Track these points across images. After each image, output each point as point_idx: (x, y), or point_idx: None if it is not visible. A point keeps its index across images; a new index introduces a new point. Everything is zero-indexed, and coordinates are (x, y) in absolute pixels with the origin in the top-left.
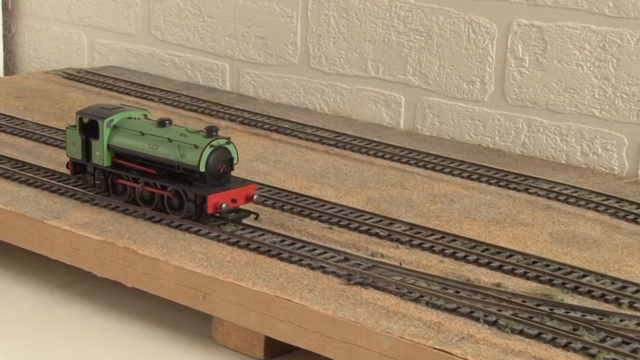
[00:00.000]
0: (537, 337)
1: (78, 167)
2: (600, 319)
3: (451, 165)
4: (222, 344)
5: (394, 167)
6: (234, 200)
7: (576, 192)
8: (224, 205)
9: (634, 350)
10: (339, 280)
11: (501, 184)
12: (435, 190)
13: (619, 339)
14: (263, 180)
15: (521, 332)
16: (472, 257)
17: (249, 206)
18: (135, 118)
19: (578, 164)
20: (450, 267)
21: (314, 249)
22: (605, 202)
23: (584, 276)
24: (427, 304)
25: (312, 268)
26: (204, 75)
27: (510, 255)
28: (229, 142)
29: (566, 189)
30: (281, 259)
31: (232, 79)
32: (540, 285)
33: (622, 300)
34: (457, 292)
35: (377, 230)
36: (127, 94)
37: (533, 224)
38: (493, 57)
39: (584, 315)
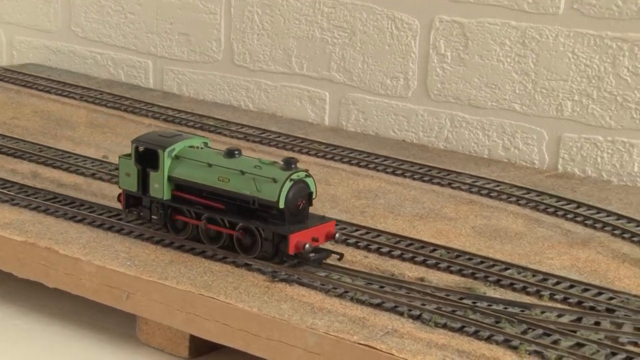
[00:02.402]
0: (460, 330)
1: (131, 200)
2: (522, 311)
3: (375, 161)
4: (147, 344)
5: (319, 163)
6: (315, 240)
7: (498, 186)
8: (307, 246)
9: (555, 342)
10: (264, 278)
11: (425, 179)
12: (360, 186)
13: (540, 331)
14: None
15: (444, 326)
16: (397, 252)
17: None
18: (197, 147)
19: (500, 158)
20: (374, 262)
21: None
22: (526, 196)
23: (506, 269)
24: (351, 299)
25: (237, 266)
26: (127, 73)
27: (434, 250)
28: (308, 175)
29: (488, 183)
30: (205, 257)
31: (156, 76)
32: (463, 279)
33: (543, 293)
34: (382, 287)
35: None
36: (47, 91)
37: (456, 218)
38: (416, 53)
39: (506, 308)
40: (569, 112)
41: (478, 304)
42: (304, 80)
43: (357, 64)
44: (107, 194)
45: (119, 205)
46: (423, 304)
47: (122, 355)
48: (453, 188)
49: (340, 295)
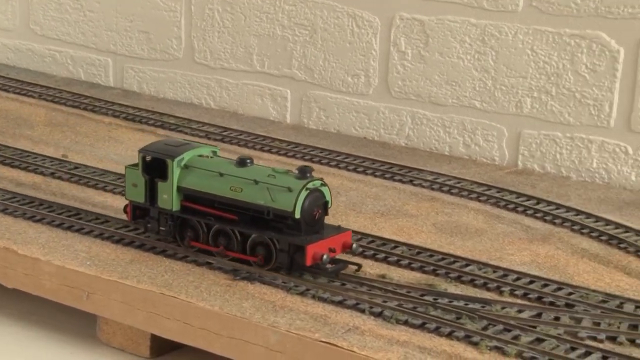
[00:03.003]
0: (422, 326)
1: (138, 212)
2: (483, 307)
3: (337, 158)
4: (108, 344)
5: (281, 161)
6: (332, 250)
7: (459, 182)
8: (325, 257)
9: (515, 337)
10: (225, 276)
11: (386, 176)
12: None
13: (500, 327)
14: None
15: (406, 323)
16: (359, 250)
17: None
18: (206, 156)
19: (461, 155)
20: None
21: None
22: (487, 192)
23: (467, 265)
24: (313, 297)
25: (198, 264)
26: (86, 71)
27: (396, 247)
28: (323, 184)
29: (449, 179)
30: (167, 256)
31: (116, 74)
32: (425, 276)
33: (503, 289)
34: (343, 284)
35: None
36: (6, 90)
37: (417, 215)
38: (377, 50)
39: (466, 304)
40: (528, 109)
41: (439, 301)
42: (265, 78)
43: (318, 62)
44: (67, 193)
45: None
46: (384, 301)
47: (83, 355)
48: (414, 185)
49: (302, 293)
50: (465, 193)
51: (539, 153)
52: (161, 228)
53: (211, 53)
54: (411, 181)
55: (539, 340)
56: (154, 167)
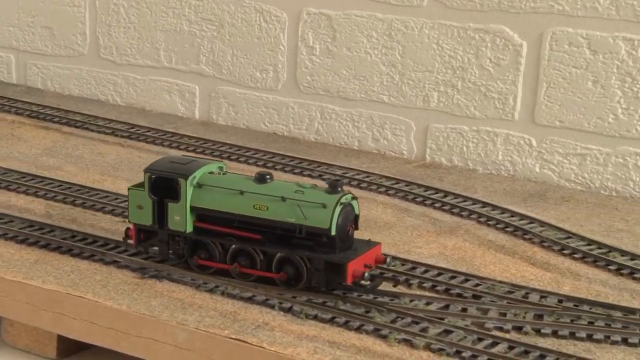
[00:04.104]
0: (331, 321)
1: (143, 235)
2: (392, 300)
3: (246, 154)
4: (13, 346)
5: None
6: (367, 266)
7: (368, 177)
8: (366, 275)
9: (424, 329)
10: (133, 275)
11: (296, 171)
12: None
13: (409, 319)
14: (53, 175)
15: (315, 317)
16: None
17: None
18: (217, 173)
19: (370, 150)
20: None
21: (107, 244)
22: (396, 186)
23: None
24: (222, 293)
25: (105, 263)
26: None
27: None
28: (354, 197)
29: (358, 174)
30: (72, 256)
31: (19, 70)
32: None
33: (411, 281)
34: (253, 280)
35: None
36: None
37: None
38: (285, 45)
39: (375, 298)
40: (435, 103)
41: (348, 295)
42: (173, 74)
43: (226, 57)
44: None
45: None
46: (294, 297)
47: None
48: (324, 180)
49: (211, 290)
50: (374, 187)
51: (446, 146)
52: (170, 251)
53: (117, 49)
54: (320, 176)
55: (447, 332)
56: (162, 186)
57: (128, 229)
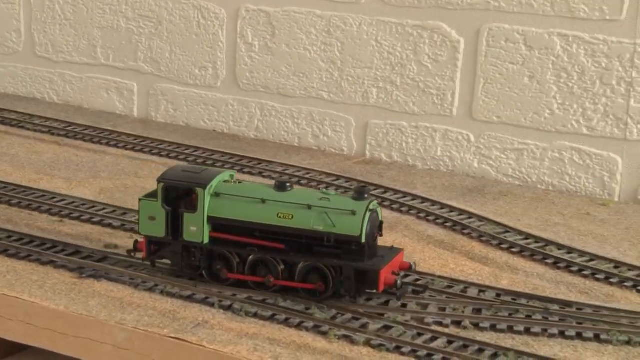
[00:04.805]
0: (271, 318)
1: (153, 247)
2: (332, 297)
3: (186, 152)
4: None
5: (128, 155)
6: (395, 273)
7: (308, 173)
8: (399, 282)
9: (364, 326)
10: (71, 275)
11: (236, 168)
12: None
13: (349, 315)
14: None
15: (255, 315)
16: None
17: None
18: (232, 181)
19: (310, 146)
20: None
21: (44, 244)
22: (335, 182)
23: None
24: (161, 292)
25: (42, 263)
26: None
27: None
28: (378, 204)
29: (298, 171)
30: (8, 256)
31: None
32: None
33: None
34: (192, 279)
35: (111, 221)
36: None
37: None
38: (224, 42)
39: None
40: (374, 99)
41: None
42: (111, 71)
43: (164, 54)
44: None
45: None
46: (234, 294)
47: None
48: (264, 177)
49: (150, 289)
50: (314, 183)
51: (385, 142)
52: (185, 263)
53: (53, 46)
54: (261, 173)
55: (387, 328)
56: (176, 197)
57: (136, 241)
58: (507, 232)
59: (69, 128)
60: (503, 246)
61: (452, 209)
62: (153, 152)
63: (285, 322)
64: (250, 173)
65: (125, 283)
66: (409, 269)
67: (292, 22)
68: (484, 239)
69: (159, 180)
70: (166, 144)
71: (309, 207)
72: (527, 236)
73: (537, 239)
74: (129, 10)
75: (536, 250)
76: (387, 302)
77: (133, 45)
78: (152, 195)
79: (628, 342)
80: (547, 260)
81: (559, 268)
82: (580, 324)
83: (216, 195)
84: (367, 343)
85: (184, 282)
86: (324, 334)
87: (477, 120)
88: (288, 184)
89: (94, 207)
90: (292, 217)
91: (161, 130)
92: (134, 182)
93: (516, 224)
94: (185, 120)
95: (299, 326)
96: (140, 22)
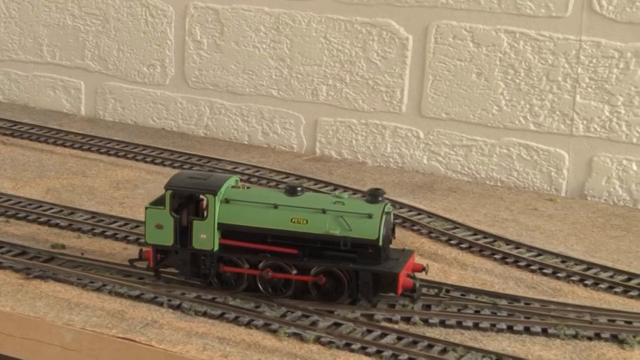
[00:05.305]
0: (221, 317)
1: (160, 256)
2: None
3: (134, 150)
4: None
5: (76, 155)
6: (410, 276)
7: (258, 171)
8: (418, 285)
9: (313, 323)
10: (17, 275)
11: (185, 166)
12: (118, 176)
13: (299, 313)
14: None
15: (205, 314)
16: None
17: None
18: (240, 187)
19: (260, 144)
20: (134, 253)
21: None
22: (286, 180)
23: None
24: (110, 292)
25: None
26: None
27: None
28: (390, 207)
29: (248, 168)
30: None
31: None
32: None
33: None
34: (141, 278)
35: (58, 221)
36: None
37: None
38: (172, 40)
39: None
40: (324, 97)
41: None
42: (57, 70)
43: (112, 52)
44: None
45: None
46: (183, 293)
47: None
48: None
49: (98, 289)
50: (264, 181)
51: (335, 140)
52: (193, 271)
53: None
54: (210, 171)
55: (337, 325)
56: (180, 204)
57: (141, 250)
58: (456, 228)
59: (15, 127)
60: (452, 242)
61: (402, 205)
62: (101, 151)
63: (235, 321)
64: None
65: (72, 283)
66: (421, 270)
67: (241, 20)
68: (433, 235)
69: (166, 188)
70: (114, 142)
71: (324, 211)
72: (476, 232)
73: (486, 235)
74: (76, 7)
75: (485, 245)
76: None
77: (80, 43)
78: (157, 202)
79: (575, 336)
80: (496, 256)
81: (507, 263)
82: (528, 318)
83: (226, 201)
84: (317, 340)
85: (133, 282)
86: (274, 332)
87: (426, 117)
88: (299, 188)
89: (40, 207)
90: (307, 221)
91: (109, 128)
92: (81, 182)
93: (465, 220)
94: (133, 119)
95: (248, 324)
96: (87, 20)
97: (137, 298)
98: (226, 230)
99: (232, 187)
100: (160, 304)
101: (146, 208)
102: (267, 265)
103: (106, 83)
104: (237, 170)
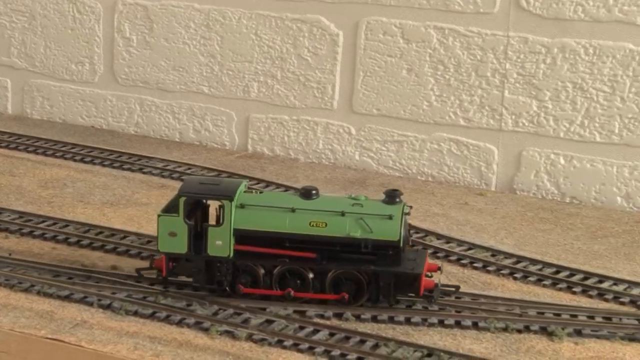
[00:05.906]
0: (152, 316)
1: (172, 264)
2: (213, 292)
3: (63, 149)
4: None
5: (2, 154)
6: (429, 276)
7: (189, 169)
8: (438, 284)
9: (245, 321)
10: None
11: (115, 165)
12: (47, 175)
13: (231, 311)
14: None
15: (135, 313)
16: (86, 242)
17: None
18: (253, 191)
19: (191, 141)
20: (64, 253)
21: None
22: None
23: None
24: (38, 293)
25: None
26: None
27: (125, 237)
28: (408, 207)
29: (180, 166)
30: None
31: None
32: None
33: None
34: (70, 278)
35: None
36: None
37: (148, 203)
38: (100, 37)
39: (197, 291)
40: (255, 93)
41: (169, 289)
42: None
43: (39, 49)
44: None
45: None
46: (113, 293)
47: None
48: (144, 173)
49: (26, 290)
50: None
51: (267, 136)
52: (208, 279)
53: None
54: (141, 169)
55: (269, 322)
56: (192, 210)
57: (153, 260)
58: None
59: None
60: None
61: None
62: (29, 149)
63: (166, 320)
64: (130, 170)
65: (0, 284)
66: (437, 270)
67: (170, 16)
68: None
69: (180, 195)
70: (42, 141)
71: (343, 213)
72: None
73: (417, 229)
74: (0, 4)
75: (416, 240)
76: (269, 297)
77: (5, 40)
78: (169, 210)
79: (505, 329)
80: (427, 250)
81: (437, 257)
82: (459, 312)
83: (241, 206)
84: (249, 338)
85: (62, 282)
86: (206, 330)
87: (357, 113)
88: (314, 191)
89: None
90: (326, 224)
91: (37, 127)
92: (8, 181)
93: None
94: (62, 117)
95: (180, 323)
96: (12, 17)
97: (67, 298)
98: (241, 236)
99: (245, 191)
100: (90, 304)
101: (159, 216)
102: (283, 270)
103: (33, 81)
104: (167, 167)
